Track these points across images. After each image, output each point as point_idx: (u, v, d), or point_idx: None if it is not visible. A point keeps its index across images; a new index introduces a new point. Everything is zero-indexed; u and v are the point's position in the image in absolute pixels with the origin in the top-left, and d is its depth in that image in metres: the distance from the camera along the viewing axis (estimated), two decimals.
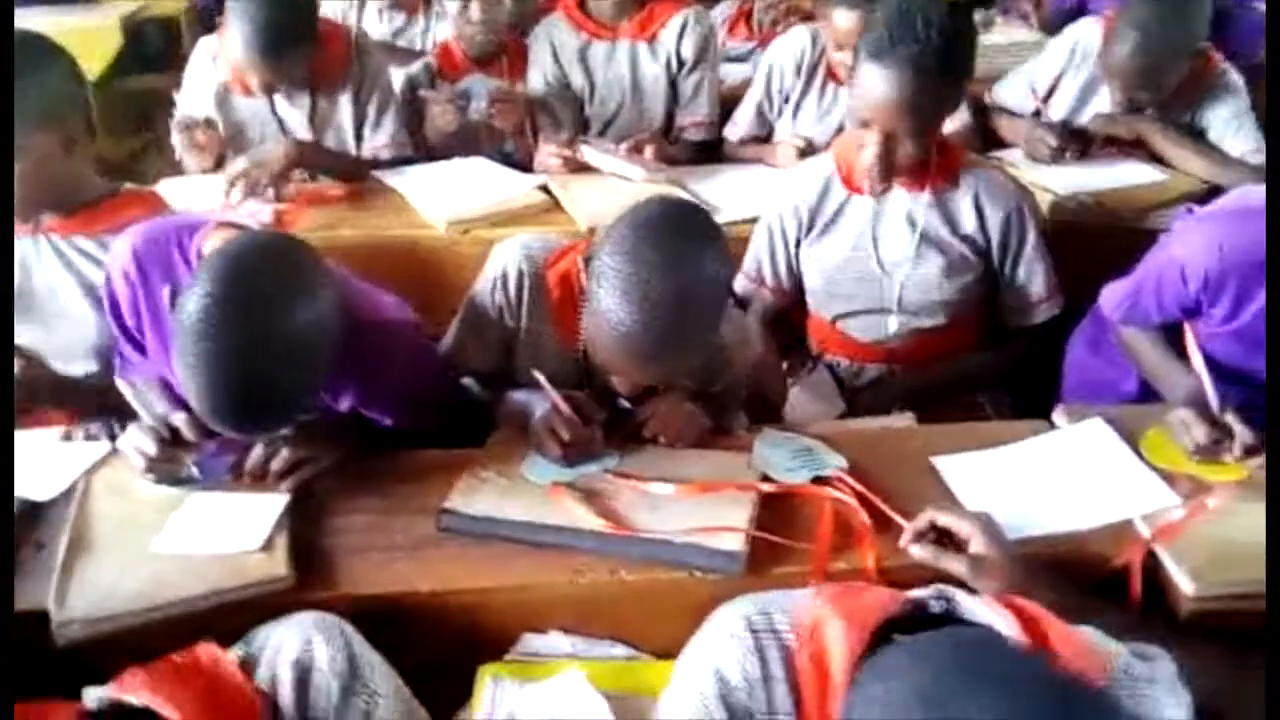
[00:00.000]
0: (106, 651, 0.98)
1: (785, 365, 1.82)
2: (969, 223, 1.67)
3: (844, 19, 2.08)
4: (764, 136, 2.36)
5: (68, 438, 1.43)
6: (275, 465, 1.24)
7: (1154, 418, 1.35)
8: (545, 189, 2.09)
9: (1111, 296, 1.58)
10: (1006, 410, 1.77)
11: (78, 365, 1.50)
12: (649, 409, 1.36)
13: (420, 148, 2.31)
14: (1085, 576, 1.12)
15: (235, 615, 1.02)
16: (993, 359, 1.81)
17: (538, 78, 2.37)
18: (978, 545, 1.09)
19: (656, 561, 1.15)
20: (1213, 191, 1.90)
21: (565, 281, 1.38)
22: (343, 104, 2.20)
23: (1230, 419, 1.26)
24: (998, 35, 2.99)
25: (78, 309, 1.49)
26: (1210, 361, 1.35)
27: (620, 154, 2.16)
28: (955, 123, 2.16)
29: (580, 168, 2.14)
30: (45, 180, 1.42)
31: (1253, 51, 2.54)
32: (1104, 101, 2.20)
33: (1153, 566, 1.14)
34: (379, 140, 2.23)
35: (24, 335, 1.45)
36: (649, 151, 2.17)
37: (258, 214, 1.95)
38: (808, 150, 2.19)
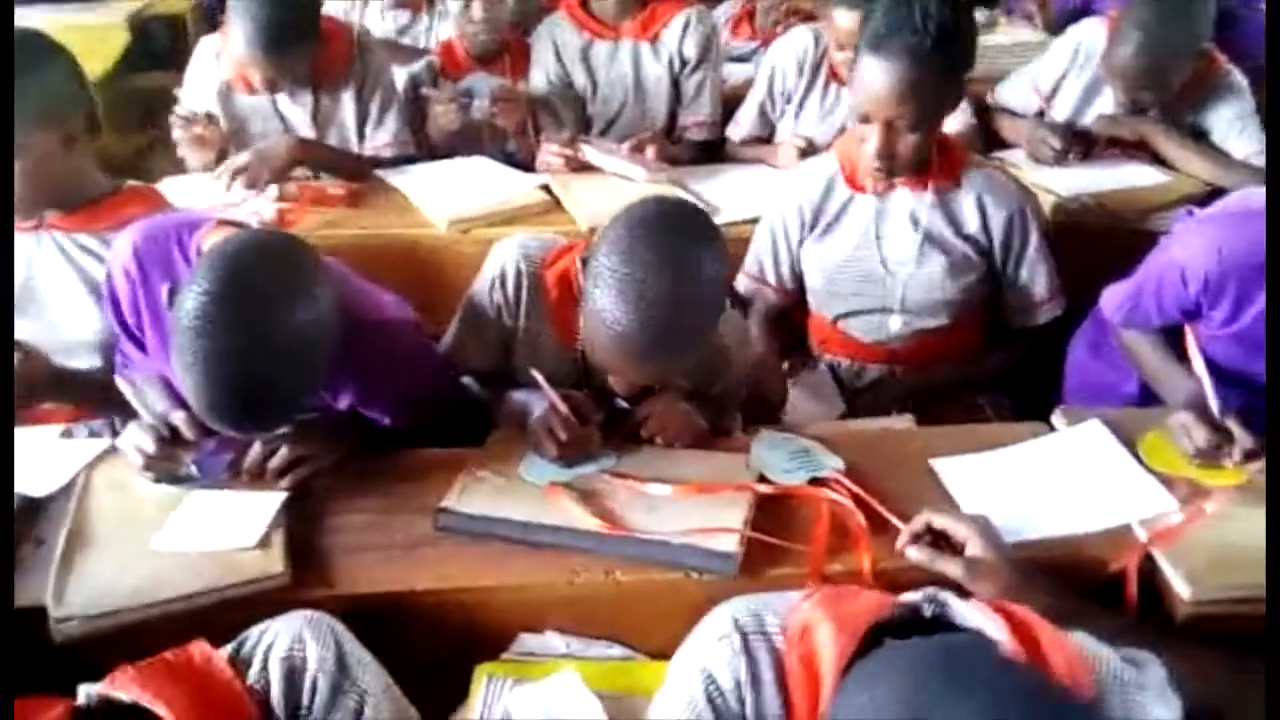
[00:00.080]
0: (104, 648, 0.99)
1: (786, 365, 1.82)
2: (972, 223, 1.67)
3: (845, 19, 2.07)
4: (766, 137, 2.35)
5: (68, 434, 1.44)
6: (273, 463, 1.25)
7: (1153, 421, 1.35)
8: (547, 189, 2.09)
9: (1112, 299, 1.57)
10: (1007, 412, 1.77)
11: (81, 361, 1.50)
12: (646, 409, 1.36)
13: (422, 146, 2.31)
14: (1082, 580, 1.12)
15: (233, 612, 1.03)
16: (995, 360, 1.80)
17: (540, 77, 2.37)
18: (974, 548, 1.09)
19: (652, 562, 1.15)
20: (1215, 193, 1.89)
21: (563, 281, 1.38)
22: (345, 102, 2.21)
23: (1231, 423, 1.26)
24: (1001, 35, 2.98)
25: (81, 305, 1.49)
26: (1211, 364, 1.34)
27: (622, 154, 2.16)
28: (958, 123, 2.16)
29: (582, 167, 2.14)
30: (47, 178, 1.43)
31: (1258, 53, 2.51)
32: (1108, 102, 2.19)
33: (1150, 570, 1.14)
34: (381, 139, 2.24)
35: (27, 331, 1.45)
36: (651, 151, 2.17)
37: (260, 212, 1.96)
38: (809, 151, 2.18)
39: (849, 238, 1.71)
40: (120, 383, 1.30)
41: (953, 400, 1.75)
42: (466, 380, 1.51)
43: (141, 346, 1.39)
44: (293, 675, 0.88)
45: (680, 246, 1.17)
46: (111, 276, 1.35)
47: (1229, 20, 2.24)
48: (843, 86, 2.22)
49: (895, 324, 1.72)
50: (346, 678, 0.89)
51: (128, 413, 1.42)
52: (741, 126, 2.36)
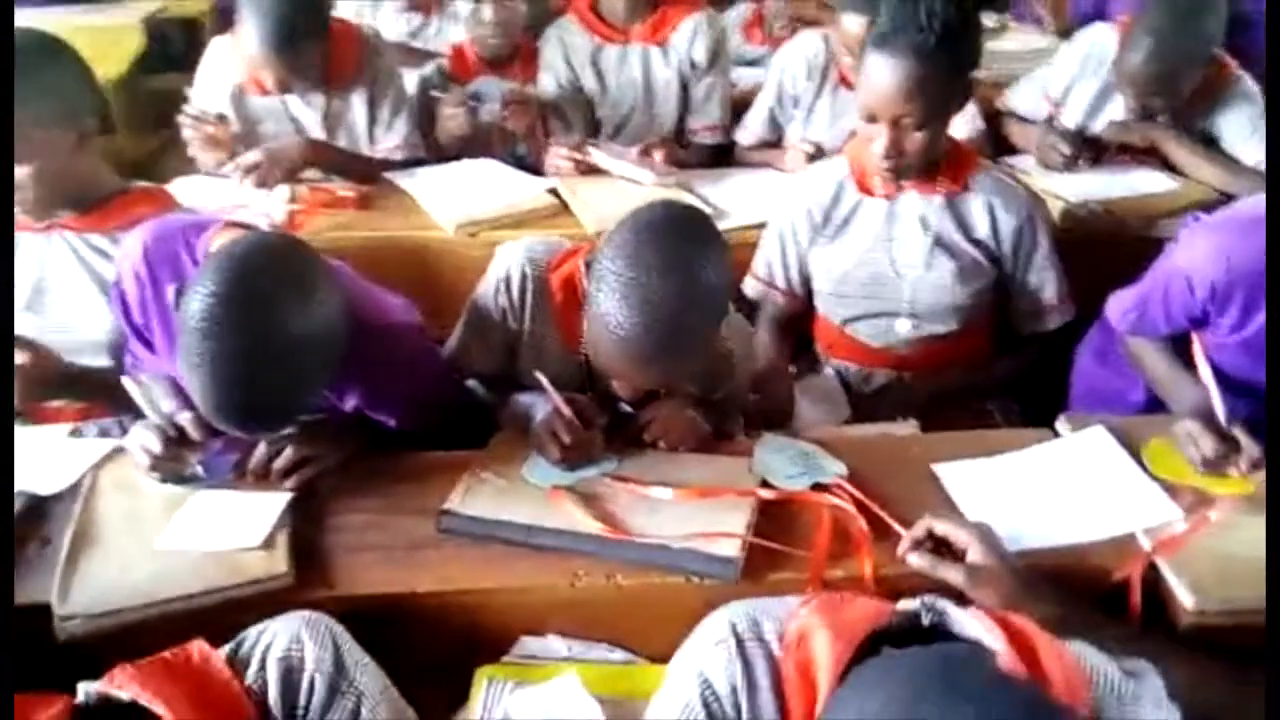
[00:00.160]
0: (107, 647, 0.99)
1: (793, 370, 1.82)
2: (981, 227, 1.66)
3: (852, 23, 2.07)
4: (775, 141, 2.35)
5: (77, 433, 1.45)
6: (278, 464, 1.25)
7: (1158, 428, 1.34)
8: (554, 192, 2.10)
9: (1118, 306, 1.56)
10: (1015, 418, 1.76)
11: (91, 360, 1.51)
12: (650, 413, 1.36)
13: (432, 149, 2.32)
14: (1085, 588, 1.11)
15: (235, 612, 1.03)
16: (1004, 366, 1.80)
17: (549, 80, 2.38)
18: (975, 555, 1.09)
19: (653, 566, 1.15)
20: (1225, 200, 1.88)
21: (568, 284, 1.38)
22: (356, 104, 2.22)
23: (1237, 431, 1.25)
24: (1010, 41, 2.97)
25: (91, 305, 1.50)
26: (1218, 373, 1.33)
27: (630, 157, 2.16)
28: (967, 128, 2.15)
29: (590, 171, 2.15)
30: (57, 178, 1.44)
31: None
32: (1118, 108, 2.18)
33: (1153, 579, 1.13)
34: (391, 141, 2.25)
35: (38, 330, 1.46)
36: (659, 155, 2.17)
37: (270, 214, 1.97)
38: (817, 155, 2.18)
39: (859, 241, 1.71)
40: (126, 383, 1.31)
41: (961, 406, 1.74)
42: (471, 383, 1.51)
43: (150, 346, 1.40)
44: (290, 675, 0.88)
45: (684, 251, 1.17)
46: (120, 277, 1.36)
47: (1241, 25, 2.22)
48: (851, 91, 2.21)
49: (903, 328, 1.72)
50: (344, 678, 0.90)
51: (138, 412, 1.43)
52: (750, 131, 2.37)
